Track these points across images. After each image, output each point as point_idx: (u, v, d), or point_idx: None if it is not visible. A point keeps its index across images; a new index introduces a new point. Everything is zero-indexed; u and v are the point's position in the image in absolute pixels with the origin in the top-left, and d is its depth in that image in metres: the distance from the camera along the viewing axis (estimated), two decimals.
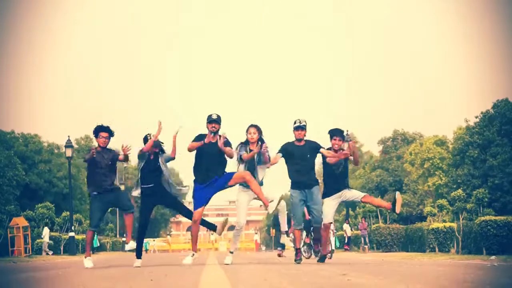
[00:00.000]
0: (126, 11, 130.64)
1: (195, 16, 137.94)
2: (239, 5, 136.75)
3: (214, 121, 8.84)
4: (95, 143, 9.88)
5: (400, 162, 51.24)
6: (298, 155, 9.29)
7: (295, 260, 9.42)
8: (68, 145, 26.16)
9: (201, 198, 8.92)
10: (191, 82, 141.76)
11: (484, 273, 6.60)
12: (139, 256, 9.47)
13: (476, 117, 38.80)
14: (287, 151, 9.33)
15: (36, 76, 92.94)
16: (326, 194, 9.60)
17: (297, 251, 9.54)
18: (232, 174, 8.93)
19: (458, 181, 37.73)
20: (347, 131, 28.16)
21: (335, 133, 9.54)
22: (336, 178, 9.57)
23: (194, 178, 9.00)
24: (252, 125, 9.09)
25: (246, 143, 9.07)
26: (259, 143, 8.96)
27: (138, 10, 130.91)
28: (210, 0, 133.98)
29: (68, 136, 26.49)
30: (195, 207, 8.93)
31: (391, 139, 55.46)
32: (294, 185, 9.42)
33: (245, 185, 8.98)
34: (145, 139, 9.32)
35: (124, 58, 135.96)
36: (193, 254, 9.33)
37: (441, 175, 45.26)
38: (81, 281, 6.15)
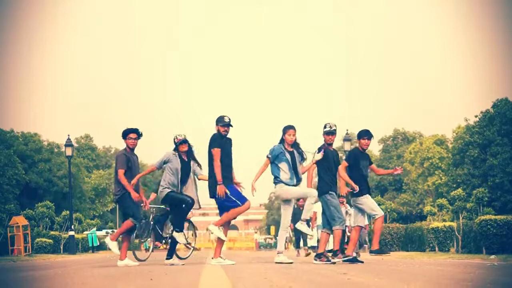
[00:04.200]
0: (126, 11, 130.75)
1: (195, 16, 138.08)
2: (239, 5, 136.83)
3: (228, 125, 8.94)
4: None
5: (400, 161, 51.24)
6: (331, 160, 9.44)
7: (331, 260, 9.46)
8: (68, 144, 26.16)
9: (242, 194, 8.99)
10: (191, 82, 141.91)
11: (484, 272, 6.60)
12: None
13: (476, 116, 38.82)
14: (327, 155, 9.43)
15: (36, 75, 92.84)
16: (358, 193, 9.53)
17: (337, 251, 9.68)
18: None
19: (458, 180, 37.73)
20: (347, 130, 28.32)
21: (362, 134, 9.77)
22: (366, 179, 9.70)
23: (224, 178, 8.76)
24: (291, 127, 9.22)
25: (282, 142, 9.22)
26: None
27: (138, 10, 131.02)
28: (210, 0, 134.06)
29: (68, 135, 26.57)
30: (244, 200, 8.85)
31: (391, 138, 55.47)
32: (331, 189, 9.40)
33: (284, 182, 9.14)
34: (177, 143, 9.30)
35: (124, 58, 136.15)
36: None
37: (440, 175, 45.27)
38: (81, 280, 6.15)
